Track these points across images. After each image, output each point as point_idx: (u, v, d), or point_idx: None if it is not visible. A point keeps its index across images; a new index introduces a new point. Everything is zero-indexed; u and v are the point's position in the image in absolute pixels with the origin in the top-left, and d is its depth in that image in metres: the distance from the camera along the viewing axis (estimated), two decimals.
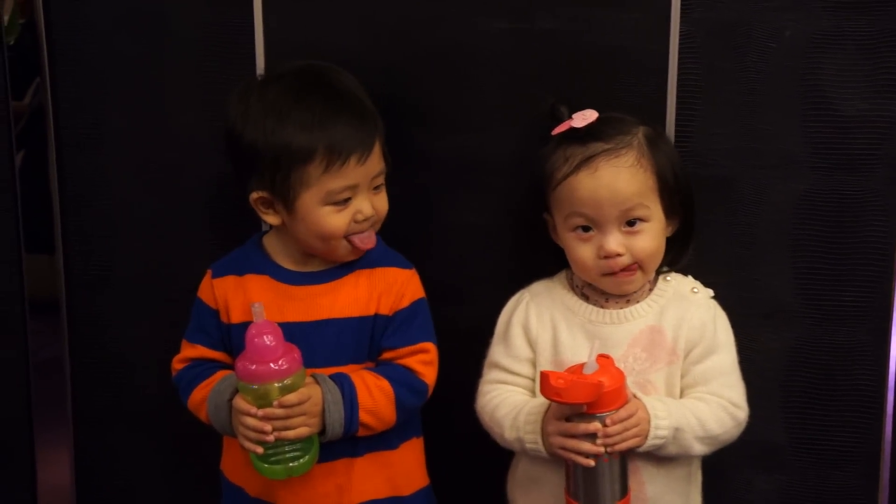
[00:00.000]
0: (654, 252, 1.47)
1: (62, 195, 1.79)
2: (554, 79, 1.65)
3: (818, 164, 1.63)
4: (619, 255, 1.45)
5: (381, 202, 1.50)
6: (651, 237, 1.46)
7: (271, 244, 1.55)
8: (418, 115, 1.69)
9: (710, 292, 1.54)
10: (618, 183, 1.44)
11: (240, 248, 1.58)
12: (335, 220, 1.46)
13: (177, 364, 1.57)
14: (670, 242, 1.51)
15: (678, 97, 1.62)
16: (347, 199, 1.46)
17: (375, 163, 1.47)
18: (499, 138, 1.68)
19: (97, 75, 1.75)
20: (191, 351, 1.56)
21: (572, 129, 1.47)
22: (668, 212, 1.47)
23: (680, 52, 1.61)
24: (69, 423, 1.86)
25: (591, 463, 1.38)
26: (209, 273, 1.56)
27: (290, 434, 1.41)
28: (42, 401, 1.86)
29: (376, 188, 1.49)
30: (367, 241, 1.50)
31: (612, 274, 1.46)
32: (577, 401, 1.35)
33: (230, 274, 1.54)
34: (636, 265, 1.47)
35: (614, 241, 1.45)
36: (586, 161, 1.45)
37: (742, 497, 1.77)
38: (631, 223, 1.45)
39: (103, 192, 1.79)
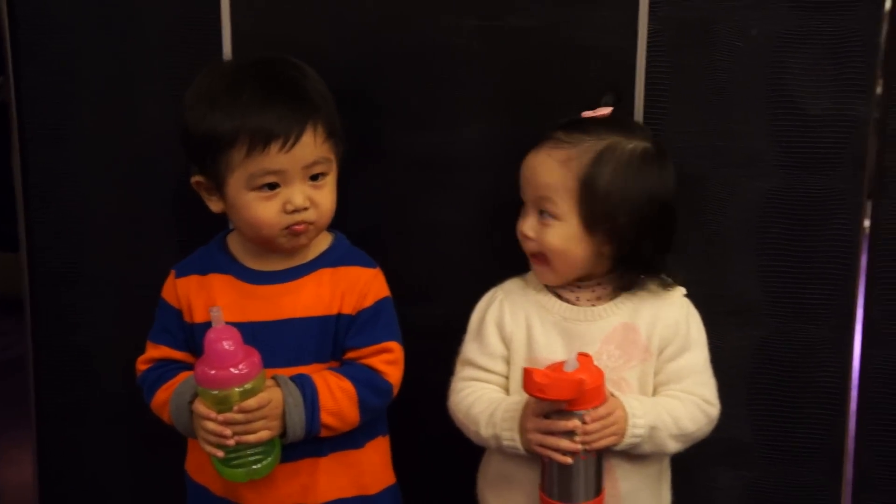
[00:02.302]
0: (557, 251, 1.46)
1: (27, 191, 1.77)
2: (524, 76, 1.65)
3: (784, 162, 1.65)
4: (526, 237, 1.48)
5: (323, 197, 1.47)
6: (555, 235, 1.46)
7: (234, 243, 1.55)
8: (389, 112, 1.68)
9: (684, 290, 1.54)
10: (538, 168, 1.47)
11: (203, 247, 1.57)
12: (262, 208, 1.44)
13: (141, 365, 1.56)
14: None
15: (646, 95, 1.63)
16: (274, 186, 1.44)
17: (308, 151, 1.44)
18: (470, 136, 1.68)
19: (62, 71, 1.73)
20: (155, 351, 1.55)
21: (579, 117, 1.50)
22: (589, 224, 1.44)
23: (648, 50, 1.62)
24: (32, 421, 1.85)
25: (569, 460, 1.38)
26: (172, 273, 1.55)
27: (251, 438, 1.40)
28: (5, 399, 1.85)
29: (314, 179, 1.47)
30: (298, 238, 1.48)
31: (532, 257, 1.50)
32: (559, 397, 1.35)
33: (193, 273, 1.53)
34: (545, 256, 1.48)
35: (527, 223, 1.48)
36: (541, 141, 1.48)
37: (708, 493, 1.78)
38: (542, 213, 1.46)
39: (69, 188, 1.77)
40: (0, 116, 1.75)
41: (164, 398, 1.50)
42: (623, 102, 1.58)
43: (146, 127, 1.73)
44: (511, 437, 1.45)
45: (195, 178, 1.49)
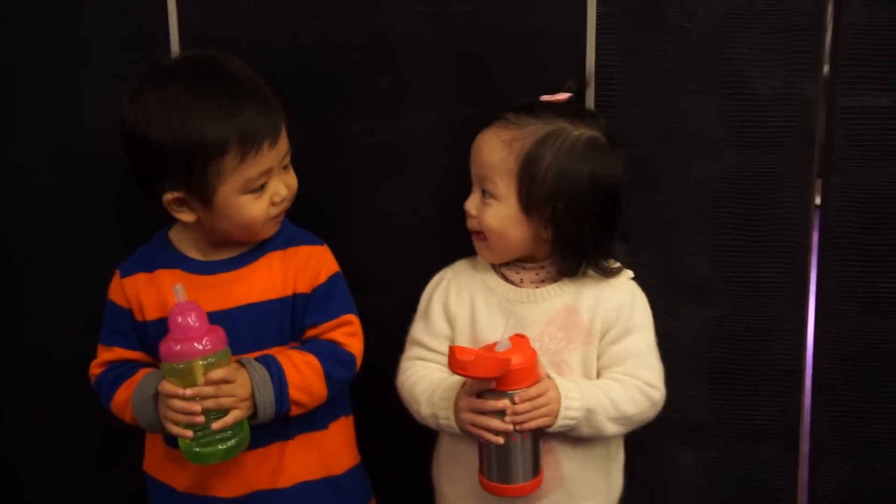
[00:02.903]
0: (493, 230, 1.47)
1: None
2: (474, 61, 1.65)
3: (735, 142, 1.66)
4: (469, 214, 1.49)
5: (292, 179, 1.50)
6: (493, 215, 1.46)
7: (178, 238, 1.53)
8: (338, 99, 1.68)
9: (630, 273, 1.54)
10: (483, 147, 1.47)
11: (146, 244, 1.56)
12: (255, 207, 1.45)
13: (95, 369, 1.54)
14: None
15: (597, 78, 1.63)
16: (263, 185, 1.45)
17: (284, 143, 1.46)
18: (421, 123, 1.68)
19: (9, 64, 1.71)
20: (108, 354, 1.53)
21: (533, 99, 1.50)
22: (527, 207, 1.45)
23: (597, 33, 1.62)
24: None
25: (500, 440, 1.39)
26: (117, 273, 1.53)
27: (228, 420, 1.40)
28: None
29: (285, 167, 1.48)
30: (278, 221, 1.51)
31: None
32: (481, 375, 1.36)
33: (140, 271, 1.52)
34: (483, 234, 1.49)
35: (470, 200, 1.49)
36: (492, 121, 1.48)
37: (667, 473, 1.79)
38: (484, 193, 1.47)
39: (17, 183, 1.75)
40: None
41: (124, 397, 1.48)
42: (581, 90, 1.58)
43: (92, 121, 1.70)
44: (447, 417, 1.45)
45: (172, 196, 1.43)
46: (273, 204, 1.46)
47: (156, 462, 1.57)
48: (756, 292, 1.71)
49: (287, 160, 1.48)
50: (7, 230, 1.77)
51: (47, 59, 1.70)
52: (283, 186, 1.47)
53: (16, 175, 1.75)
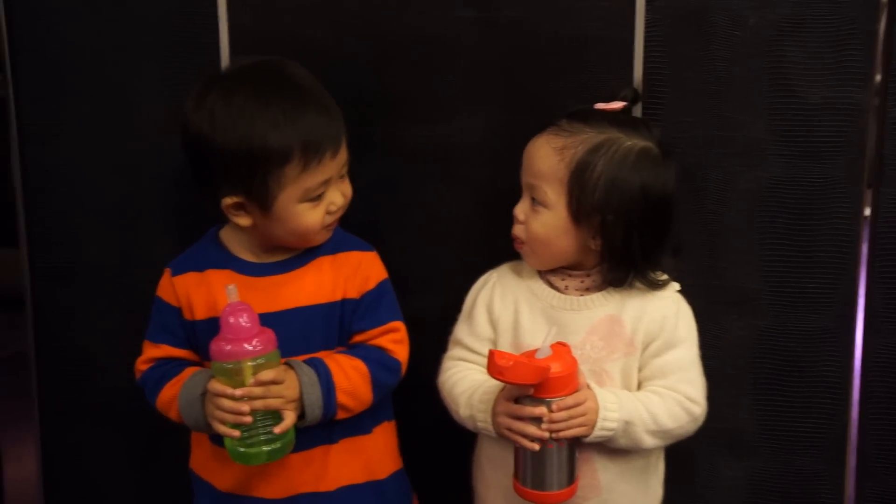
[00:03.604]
0: (538, 238, 1.47)
1: (25, 188, 1.77)
2: (521, 68, 1.65)
3: (783, 151, 1.64)
4: (517, 219, 1.48)
5: (347, 188, 1.50)
6: (541, 223, 1.46)
7: (229, 238, 1.54)
8: (385, 105, 1.68)
9: (677, 286, 1.53)
10: (534, 154, 1.47)
11: (196, 243, 1.57)
12: (312, 215, 1.46)
13: (141, 365, 1.55)
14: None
15: (644, 85, 1.63)
16: (321, 194, 1.46)
17: (344, 153, 1.47)
18: (467, 128, 1.68)
19: (59, 68, 1.73)
20: (155, 351, 1.54)
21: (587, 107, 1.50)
22: (576, 216, 1.44)
23: (646, 41, 1.62)
24: (35, 418, 1.85)
25: (536, 447, 1.38)
26: (168, 271, 1.54)
27: (284, 426, 1.41)
28: (8, 396, 1.84)
29: (342, 176, 1.49)
30: (332, 229, 1.52)
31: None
32: (519, 381, 1.36)
33: (190, 271, 1.53)
34: (521, 242, 1.49)
35: (520, 206, 1.49)
36: (545, 127, 1.48)
37: (709, 483, 1.78)
38: (534, 200, 1.46)
39: (66, 184, 1.77)
40: None
41: (171, 394, 1.49)
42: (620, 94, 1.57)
43: (142, 123, 1.73)
44: (485, 420, 1.45)
45: (231, 200, 1.45)
46: (329, 213, 1.47)
47: (201, 461, 1.58)
48: (803, 303, 1.70)
49: (345, 170, 1.49)
50: (54, 230, 1.80)
51: (96, 61, 1.73)
52: (340, 195, 1.48)
53: (64, 176, 1.78)
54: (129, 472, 1.88)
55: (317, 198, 1.45)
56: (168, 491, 1.82)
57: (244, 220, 1.47)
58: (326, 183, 1.45)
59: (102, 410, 1.85)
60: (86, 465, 1.89)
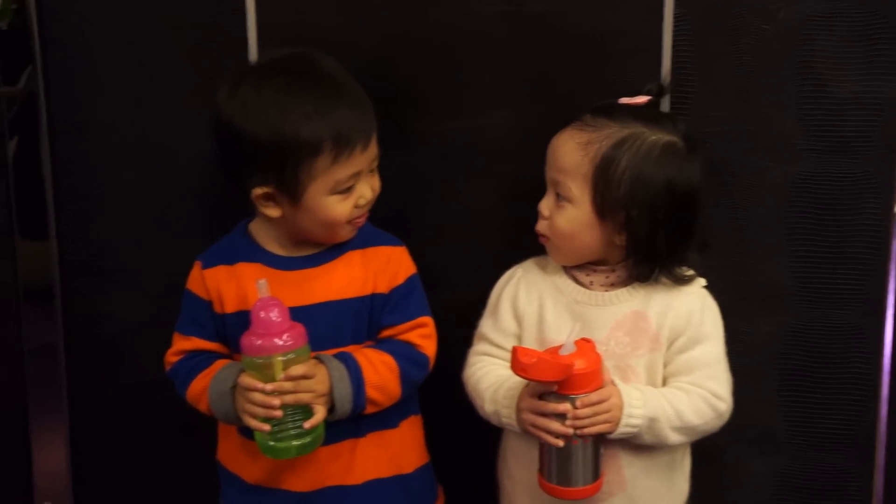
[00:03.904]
0: (565, 234, 1.46)
1: (55, 181, 1.78)
2: (547, 62, 1.65)
3: (813, 146, 1.63)
4: (541, 214, 1.48)
5: (377, 182, 1.51)
6: (565, 218, 1.45)
7: (259, 231, 1.54)
8: (411, 99, 1.68)
9: (703, 281, 1.52)
10: (559, 149, 1.46)
11: (226, 236, 1.57)
12: (341, 207, 1.46)
13: (171, 357, 1.56)
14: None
15: (672, 80, 1.62)
16: (351, 187, 1.46)
17: (374, 147, 1.47)
18: (494, 122, 1.68)
19: (89, 60, 1.74)
20: (185, 343, 1.55)
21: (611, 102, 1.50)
22: (600, 211, 1.43)
23: (674, 34, 1.61)
24: (64, 408, 1.86)
25: (560, 443, 1.38)
26: (198, 264, 1.55)
27: (314, 421, 1.41)
28: (37, 387, 1.86)
29: (372, 171, 1.50)
30: (362, 218, 1.52)
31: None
32: (542, 378, 1.35)
33: (220, 264, 1.53)
34: (546, 238, 1.49)
35: (544, 201, 1.48)
36: (568, 122, 1.47)
37: (736, 480, 1.77)
38: (558, 196, 1.46)
39: (96, 177, 1.78)
40: (28, 106, 1.76)
41: (201, 387, 1.50)
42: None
43: (171, 116, 1.73)
44: (509, 416, 1.45)
45: (261, 190, 1.45)
46: (357, 206, 1.47)
47: (229, 453, 1.58)
48: (832, 299, 1.69)
49: (375, 164, 1.49)
50: (84, 222, 1.81)
51: (125, 55, 1.73)
52: (369, 189, 1.48)
53: (93, 169, 1.78)
54: (156, 463, 1.89)
55: (346, 190, 1.45)
56: (195, 482, 1.83)
57: (273, 212, 1.47)
58: (356, 176, 1.45)
59: (130, 402, 1.86)
60: (113, 455, 1.90)
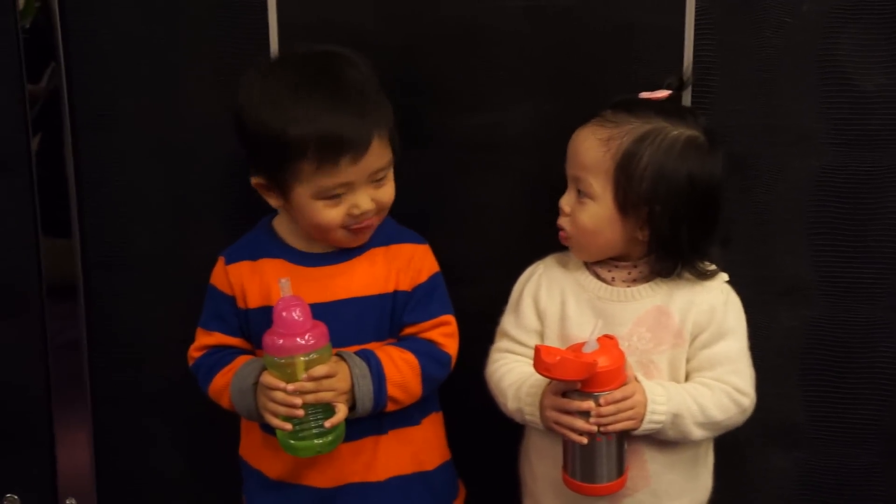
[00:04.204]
0: (587, 230, 1.45)
1: (78, 178, 1.79)
2: (570, 57, 1.64)
3: (836, 140, 1.62)
4: (562, 211, 1.48)
5: (385, 193, 1.48)
6: (587, 215, 1.45)
7: (282, 227, 1.55)
8: (433, 94, 1.68)
9: (725, 276, 1.51)
10: (580, 145, 1.46)
11: (250, 232, 1.58)
12: (330, 213, 1.45)
13: (194, 352, 1.57)
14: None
15: (694, 73, 1.61)
16: (341, 195, 1.44)
17: (374, 159, 1.44)
18: (516, 118, 1.67)
19: (111, 57, 1.75)
20: (208, 338, 1.55)
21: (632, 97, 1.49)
22: (623, 207, 1.43)
23: (696, 28, 1.60)
24: (88, 404, 1.87)
25: (584, 440, 1.38)
26: (221, 259, 1.55)
27: (330, 422, 1.41)
28: (61, 383, 1.87)
29: (378, 181, 1.46)
30: (362, 234, 1.49)
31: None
32: (566, 377, 1.35)
33: (244, 259, 1.54)
34: (566, 234, 1.48)
35: (565, 197, 1.48)
36: (589, 118, 1.47)
37: (760, 475, 1.77)
38: (579, 192, 1.46)
39: (119, 174, 1.79)
40: (51, 103, 1.76)
41: (223, 383, 1.51)
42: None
43: (193, 112, 1.74)
44: (532, 413, 1.45)
45: (256, 180, 1.47)
46: (351, 215, 1.45)
47: (251, 448, 1.59)
48: (855, 293, 1.68)
49: (381, 175, 1.46)
50: (106, 220, 1.81)
51: (148, 51, 1.74)
52: (366, 200, 1.45)
53: (116, 166, 1.79)
54: (178, 458, 1.90)
55: (333, 197, 1.44)
56: (217, 477, 1.84)
57: (274, 201, 1.49)
58: (347, 186, 1.43)
59: (153, 397, 1.87)
60: (136, 450, 1.91)
